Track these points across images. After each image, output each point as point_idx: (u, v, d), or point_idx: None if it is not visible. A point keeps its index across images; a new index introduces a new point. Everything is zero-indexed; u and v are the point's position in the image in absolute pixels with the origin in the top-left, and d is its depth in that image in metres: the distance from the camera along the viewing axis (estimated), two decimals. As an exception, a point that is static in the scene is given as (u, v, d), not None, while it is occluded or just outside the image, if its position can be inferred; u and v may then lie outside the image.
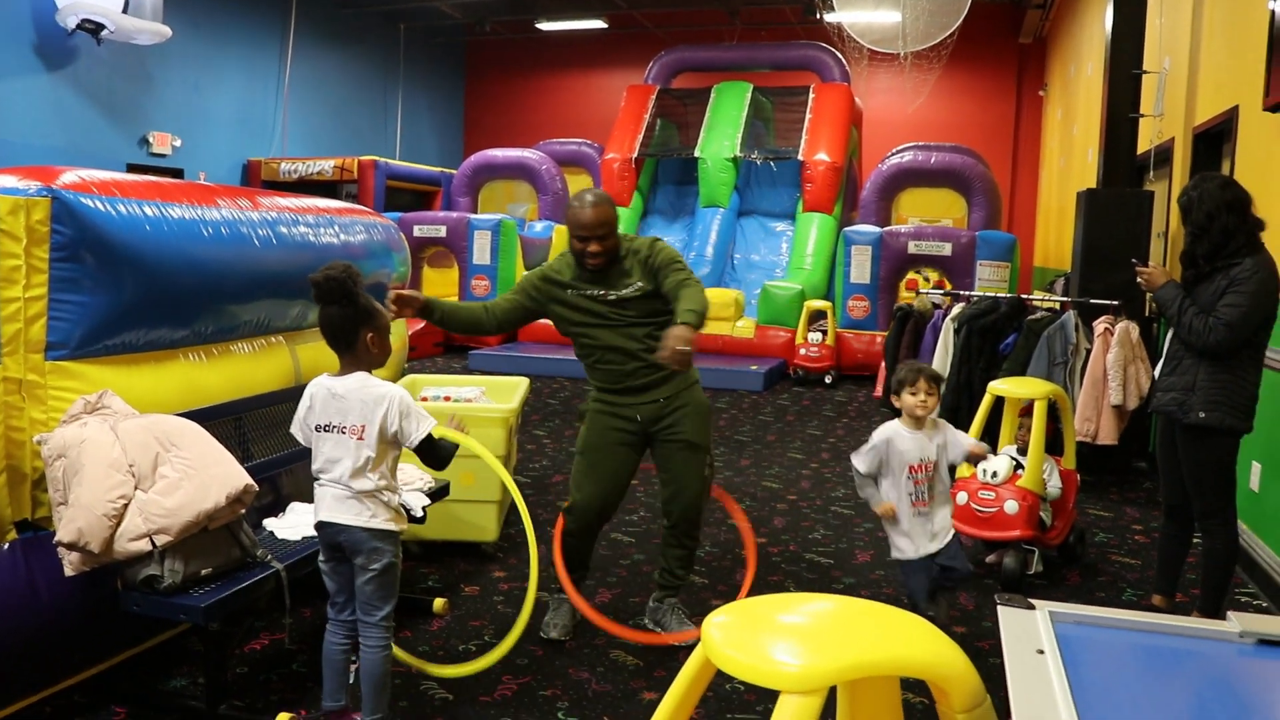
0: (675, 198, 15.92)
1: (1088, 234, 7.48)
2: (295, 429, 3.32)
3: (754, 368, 11.58)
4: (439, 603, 4.48)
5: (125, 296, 3.67)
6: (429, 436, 3.24)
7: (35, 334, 3.44)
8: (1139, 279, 4.46)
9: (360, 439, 3.15)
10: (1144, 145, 8.38)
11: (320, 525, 3.24)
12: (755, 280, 14.11)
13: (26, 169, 3.65)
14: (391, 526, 3.23)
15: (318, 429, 3.20)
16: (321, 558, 3.30)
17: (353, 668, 3.36)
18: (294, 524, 3.95)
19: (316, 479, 3.25)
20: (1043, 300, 7.87)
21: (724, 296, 12.80)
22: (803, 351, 11.98)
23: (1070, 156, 14.16)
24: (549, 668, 4.02)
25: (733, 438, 8.72)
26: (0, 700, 3.35)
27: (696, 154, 14.87)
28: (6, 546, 3.32)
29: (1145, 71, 7.80)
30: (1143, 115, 7.83)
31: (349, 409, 3.16)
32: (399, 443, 3.22)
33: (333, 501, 3.19)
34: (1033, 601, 2.20)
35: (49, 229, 3.43)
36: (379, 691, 3.27)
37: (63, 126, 12.83)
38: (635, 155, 15.27)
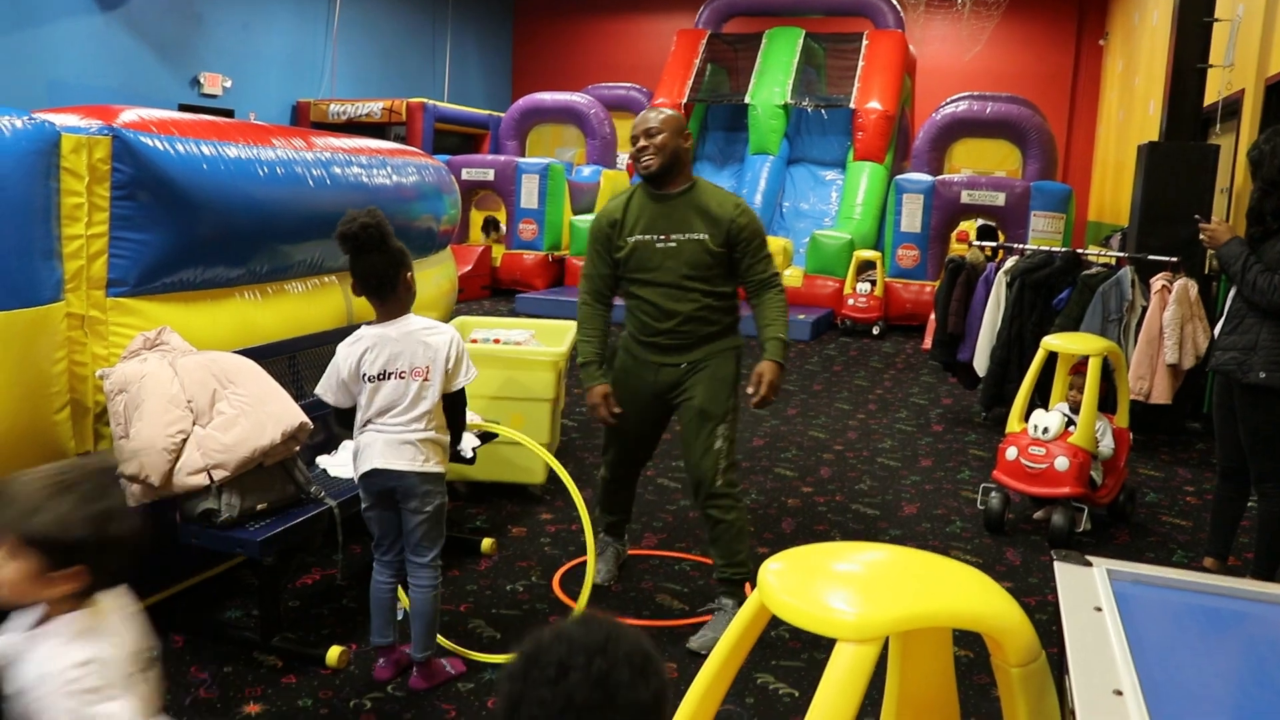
0: (724, 144, 15.78)
1: (1148, 188, 7.33)
2: (330, 389, 3.23)
3: (801, 317, 11.52)
4: (487, 543, 4.53)
5: (183, 235, 3.70)
6: (462, 392, 3.27)
7: (97, 271, 3.48)
8: (1201, 235, 4.37)
9: (426, 380, 3.16)
10: (1211, 97, 8.18)
11: (370, 474, 3.21)
12: (804, 229, 14.00)
13: (87, 108, 3.69)
14: (441, 469, 3.26)
15: (371, 379, 3.17)
16: (365, 505, 3.31)
17: (400, 606, 3.42)
18: (346, 462, 3.98)
19: (363, 427, 3.23)
20: (1098, 255, 7.74)
21: (772, 245, 12.64)
22: (851, 302, 11.90)
23: (1131, 109, 13.88)
24: (594, 610, 4.05)
25: (780, 387, 8.68)
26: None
27: (747, 100, 14.71)
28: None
29: (1216, 20, 7.59)
30: (1211, 66, 7.63)
31: (412, 352, 3.16)
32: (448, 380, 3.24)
33: (385, 448, 3.17)
34: (1090, 559, 2.19)
35: (110, 167, 3.46)
36: (429, 629, 3.33)
37: (116, 67, 12.91)
38: (685, 101, 15.12)
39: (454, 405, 3.30)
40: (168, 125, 3.80)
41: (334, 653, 3.48)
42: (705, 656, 3.58)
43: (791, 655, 3.73)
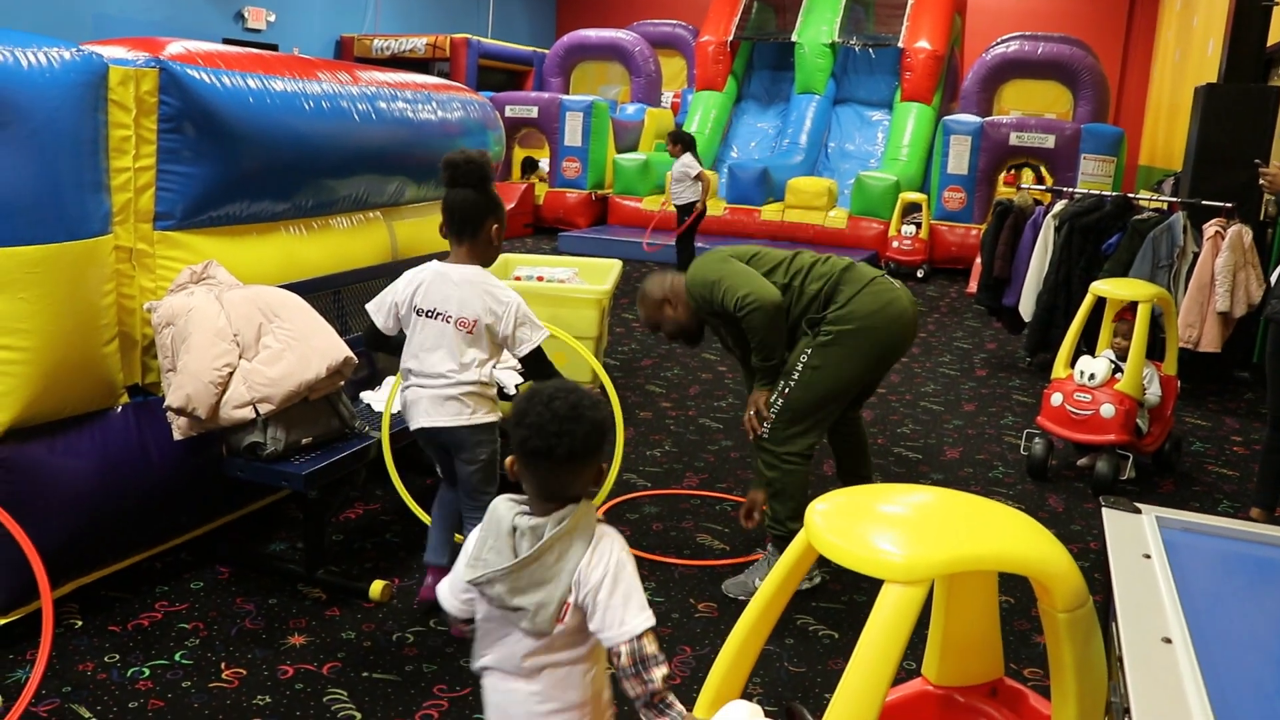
0: (770, 83, 15.56)
1: (1204, 132, 7.15)
2: (381, 310, 3.20)
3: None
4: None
5: (229, 168, 3.71)
6: (539, 349, 3.17)
7: (144, 204, 3.49)
8: (1260, 180, 4.28)
9: (470, 333, 3.10)
10: (1274, 38, 7.94)
11: (419, 430, 3.20)
12: (849, 170, 13.82)
13: (133, 40, 3.68)
14: (491, 418, 3.21)
15: (421, 312, 3.13)
16: (426, 448, 3.34)
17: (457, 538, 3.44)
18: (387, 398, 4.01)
19: (406, 377, 3.20)
20: (1150, 200, 7.59)
21: (816, 186, 12.58)
22: (895, 244, 11.77)
23: (1188, 49, 13.53)
24: (637, 549, 4.07)
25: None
26: (115, 555, 3.52)
27: (794, 38, 14.47)
28: (119, 409, 3.44)
29: (1280, -43, 7.36)
30: (1275, 4, 7.40)
31: (465, 299, 3.10)
32: (505, 347, 3.18)
33: (430, 405, 3.14)
34: (1139, 506, 2.16)
35: (157, 99, 3.46)
36: None
37: (161, 1, 12.90)
38: (731, 38, 14.91)
39: (534, 367, 3.22)
40: (214, 58, 3.79)
41: (377, 586, 3.52)
42: (738, 600, 3.65)
43: (832, 598, 3.74)
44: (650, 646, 1.89)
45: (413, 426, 3.21)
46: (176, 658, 3.18)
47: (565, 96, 14.05)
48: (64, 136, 3.15)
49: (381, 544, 3.99)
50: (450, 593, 2.06)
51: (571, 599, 1.91)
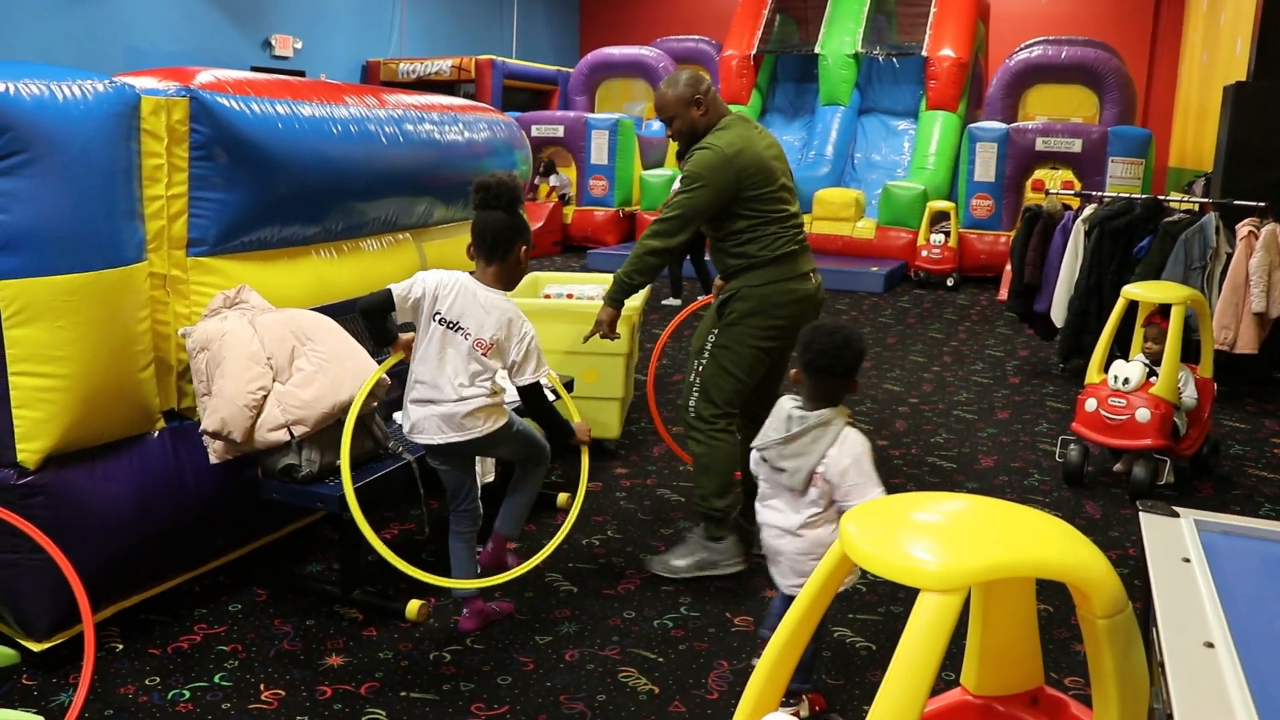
0: (794, 95, 15.57)
1: (1234, 131, 7.09)
2: (406, 299, 3.23)
3: (874, 269, 11.39)
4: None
5: (260, 194, 3.74)
6: (537, 385, 3.31)
7: (177, 230, 3.54)
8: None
9: (484, 354, 3.21)
10: (1302, 35, 7.87)
11: (429, 447, 3.33)
12: (876, 180, 13.79)
13: (164, 70, 3.73)
14: (502, 421, 3.32)
15: (442, 321, 3.22)
16: (433, 463, 3.42)
17: (480, 553, 3.45)
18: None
19: (414, 388, 3.29)
20: (1180, 201, 7.53)
21: (844, 197, 12.56)
22: (924, 253, 11.73)
23: (1215, 48, 13.41)
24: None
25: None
26: (154, 578, 3.56)
27: (816, 50, 14.48)
28: (156, 434, 3.47)
29: (1307, -47, 7.30)
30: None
31: (487, 322, 3.20)
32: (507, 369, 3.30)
33: (442, 423, 3.26)
34: (1177, 509, 2.14)
35: (188, 128, 3.50)
36: (524, 510, 3.62)
37: (190, 32, 13.07)
38: (754, 52, 14.93)
39: (530, 399, 3.33)
40: (243, 85, 3.83)
41: (413, 606, 3.54)
42: (666, 578, 3.70)
43: (868, 609, 3.72)
44: None
45: (424, 443, 3.31)
46: (216, 679, 3.21)
47: (590, 115, 14.11)
48: (98, 167, 3.19)
49: (417, 564, 4.00)
50: (753, 459, 2.98)
51: (821, 470, 2.78)
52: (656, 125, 14.76)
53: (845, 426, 2.82)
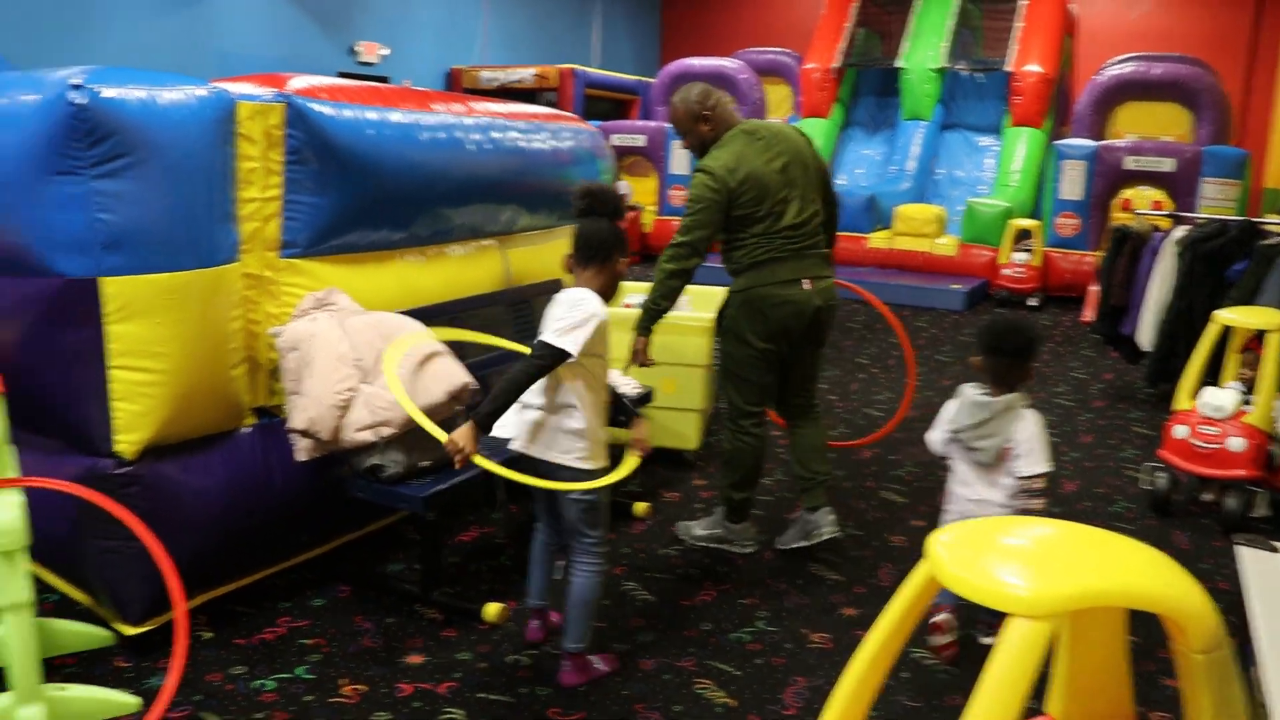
0: (876, 110, 15.45)
1: (1334, 153, 6.89)
2: (578, 340, 2.99)
3: (955, 287, 11.25)
4: (640, 506, 4.58)
5: (350, 198, 3.82)
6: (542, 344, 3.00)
7: (270, 233, 3.62)
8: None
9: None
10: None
11: (516, 456, 3.20)
12: (958, 197, 13.63)
13: (260, 76, 3.82)
14: (590, 465, 3.14)
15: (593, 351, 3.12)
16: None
17: (559, 564, 3.45)
18: (506, 423, 4.05)
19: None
20: (1278, 224, 7.33)
21: (924, 213, 12.44)
22: (1006, 272, 11.56)
23: (1315, 67, 13.07)
24: (748, 577, 4.06)
25: (933, 357, 8.53)
26: (241, 570, 3.64)
27: (899, 64, 14.36)
28: (246, 430, 3.56)
29: None
30: None
31: (551, 313, 3.13)
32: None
33: (531, 429, 3.16)
34: (1276, 544, 2.09)
35: (283, 133, 3.58)
36: (584, 618, 3.22)
37: (279, 38, 13.34)
38: (836, 65, 14.85)
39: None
40: (335, 91, 3.91)
41: (492, 609, 3.57)
42: (852, 634, 3.63)
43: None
44: (1037, 483, 3.33)
45: (514, 445, 3.21)
46: (299, 672, 3.27)
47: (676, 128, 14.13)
48: (197, 170, 3.28)
49: (496, 567, 4.04)
50: (939, 440, 3.55)
51: (1009, 446, 3.32)
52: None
53: (1024, 408, 3.36)
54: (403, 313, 3.84)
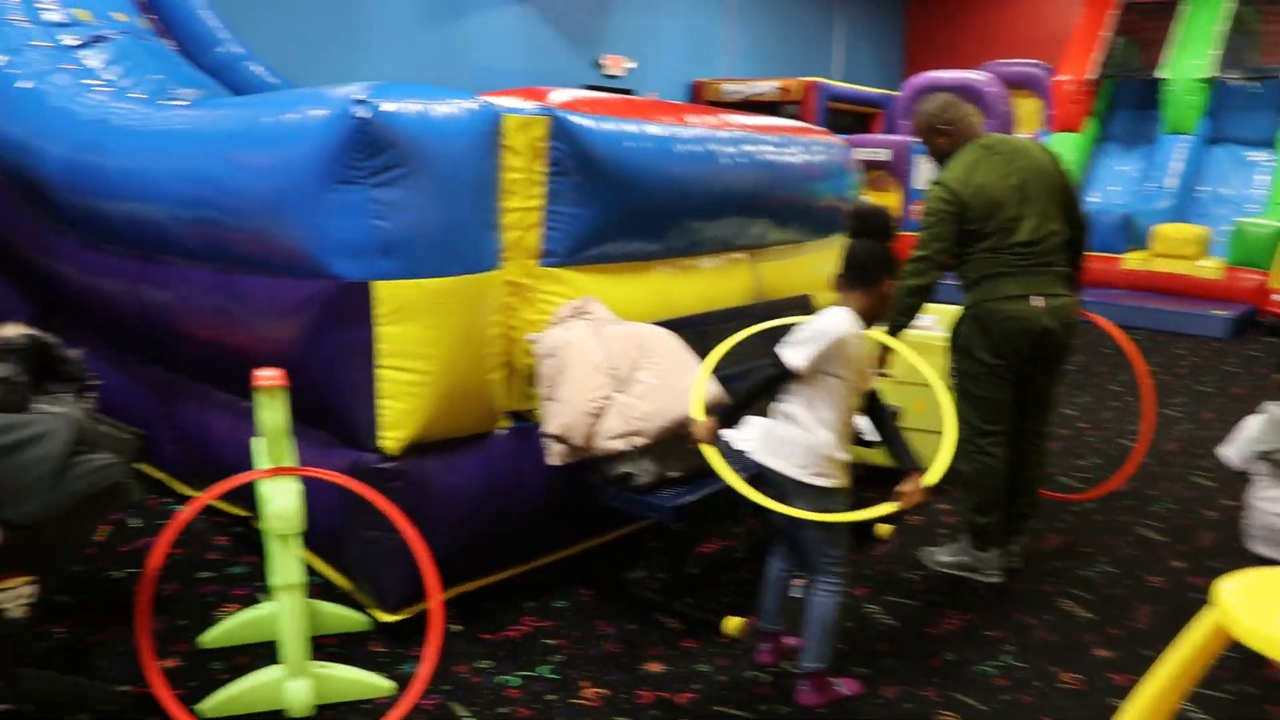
0: (1133, 123, 14.64)
1: None
2: (808, 354, 2.98)
3: (1219, 313, 10.54)
4: (883, 529, 4.48)
5: (609, 209, 3.88)
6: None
7: (531, 241, 3.72)
8: None
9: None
10: None
11: (757, 469, 3.14)
12: (1223, 216, 12.75)
13: (523, 90, 3.95)
14: (832, 484, 3.06)
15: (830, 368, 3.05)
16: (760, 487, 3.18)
17: (795, 583, 3.40)
18: (751, 436, 4.04)
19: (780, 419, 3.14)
20: None
21: (1185, 233, 11.71)
22: (1278, 297, 10.76)
23: None
24: (994, 609, 3.91)
25: (1193, 387, 8.00)
26: (490, 568, 3.77)
27: (1161, 75, 13.57)
28: (501, 433, 3.67)
29: None
30: None
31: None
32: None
33: (775, 443, 3.09)
34: None
35: (547, 145, 3.68)
36: (823, 639, 3.16)
37: (529, 51, 13.83)
38: (1091, 77, 14.19)
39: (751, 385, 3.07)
40: (595, 105, 4.00)
41: (733, 622, 3.56)
42: (1103, 674, 3.45)
43: (1212, 683, 3.41)
44: None
45: (750, 450, 3.13)
46: (542, 671, 3.35)
47: (916, 139, 13.85)
48: (466, 180, 3.41)
49: (736, 580, 4.03)
50: (1238, 456, 3.59)
51: None
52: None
53: None
54: (657, 324, 3.88)
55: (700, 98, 16.40)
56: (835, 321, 3.00)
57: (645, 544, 4.30)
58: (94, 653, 3.36)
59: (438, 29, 12.64)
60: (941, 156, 4.14)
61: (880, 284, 3.06)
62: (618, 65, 15.14)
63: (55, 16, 5.63)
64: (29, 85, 4.98)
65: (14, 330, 3.23)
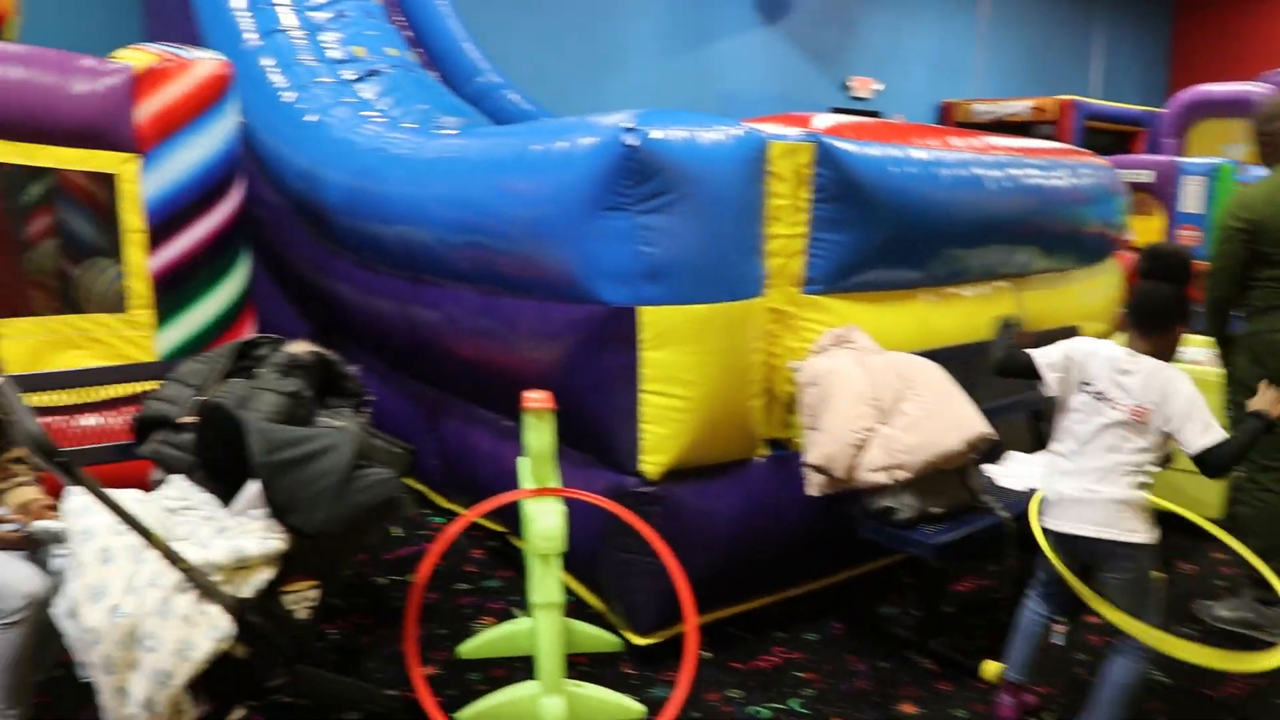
0: None
1: None
2: (1049, 359, 3.00)
3: None
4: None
5: (873, 236, 3.82)
6: (1218, 450, 2.78)
7: (794, 269, 3.70)
8: None
9: (1141, 421, 2.84)
10: None
11: (1053, 534, 2.96)
12: None
13: (784, 116, 3.94)
14: (1147, 540, 2.88)
15: (1088, 391, 2.93)
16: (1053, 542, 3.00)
17: (1056, 629, 3.22)
18: (1015, 474, 3.89)
19: (1054, 461, 3.01)
20: None
21: None
22: None
23: None
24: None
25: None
26: (740, 597, 3.75)
27: None
28: (759, 460, 3.66)
29: None
30: None
31: (1132, 385, 2.87)
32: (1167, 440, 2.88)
33: (1074, 506, 2.90)
34: None
35: (812, 171, 3.64)
36: (1119, 701, 2.94)
37: (774, 76, 13.81)
38: (1389, 91, 13.01)
39: (1204, 465, 2.81)
40: (858, 129, 3.95)
41: (991, 667, 3.39)
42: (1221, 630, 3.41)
43: None
44: None
45: (1049, 524, 2.96)
46: (792, 704, 3.31)
47: (1184, 159, 13.04)
48: (730, 206, 3.42)
49: (993, 623, 3.86)
50: None
51: None
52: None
53: None
54: (918, 354, 3.78)
55: (949, 119, 15.97)
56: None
57: (898, 579, 4.19)
58: (363, 655, 3.54)
59: (685, 54, 12.80)
60: (1265, 164, 3.97)
61: (1172, 331, 2.90)
62: (865, 87, 14.93)
63: (337, 54, 6.01)
64: (314, 119, 5.32)
65: (302, 347, 3.44)
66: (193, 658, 2.45)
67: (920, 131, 4.37)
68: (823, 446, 3.37)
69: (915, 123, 5.70)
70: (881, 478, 3.30)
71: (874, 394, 3.41)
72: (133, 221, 4.16)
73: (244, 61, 5.43)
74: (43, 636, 2.63)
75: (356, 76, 5.93)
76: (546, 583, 3.06)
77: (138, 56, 4.27)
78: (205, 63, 4.30)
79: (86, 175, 4.10)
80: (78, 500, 2.63)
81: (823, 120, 3.94)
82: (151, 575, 2.46)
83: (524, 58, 10.48)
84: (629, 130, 3.25)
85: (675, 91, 12.44)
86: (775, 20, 13.73)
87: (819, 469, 3.38)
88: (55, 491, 2.82)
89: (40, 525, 2.72)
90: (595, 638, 3.59)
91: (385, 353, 5.06)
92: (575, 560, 3.67)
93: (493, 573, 4.23)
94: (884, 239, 3.86)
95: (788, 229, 3.64)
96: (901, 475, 3.29)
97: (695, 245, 3.34)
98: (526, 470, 3.23)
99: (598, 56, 11.95)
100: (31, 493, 2.86)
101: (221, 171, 4.35)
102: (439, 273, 4.28)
